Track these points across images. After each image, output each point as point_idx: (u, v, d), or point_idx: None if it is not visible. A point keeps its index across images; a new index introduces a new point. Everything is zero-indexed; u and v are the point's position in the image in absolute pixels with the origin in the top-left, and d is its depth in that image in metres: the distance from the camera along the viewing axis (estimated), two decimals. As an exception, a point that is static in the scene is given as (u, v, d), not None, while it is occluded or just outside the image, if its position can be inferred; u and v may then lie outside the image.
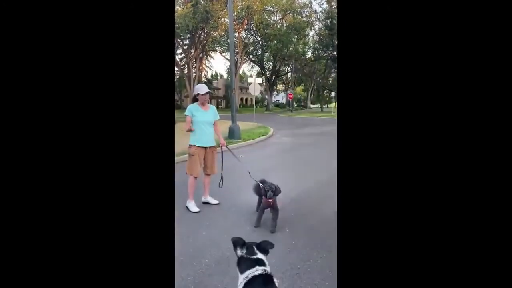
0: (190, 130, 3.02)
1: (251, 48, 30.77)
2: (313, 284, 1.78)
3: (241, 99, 39.54)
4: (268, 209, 2.61)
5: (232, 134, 7.86)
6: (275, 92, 43.38)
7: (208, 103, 3.15)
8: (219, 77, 40.97)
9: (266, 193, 2.53)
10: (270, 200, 2.53)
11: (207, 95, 3.08)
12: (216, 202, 3.23)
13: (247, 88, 20.38)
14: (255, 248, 1.29)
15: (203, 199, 3.23)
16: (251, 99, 34.62)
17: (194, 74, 25.97)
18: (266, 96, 36.95)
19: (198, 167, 3.05)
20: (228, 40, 27.45)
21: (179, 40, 24.86)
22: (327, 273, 1.88)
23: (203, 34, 25.27)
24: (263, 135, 9.00)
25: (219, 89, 35.57)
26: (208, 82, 35.98)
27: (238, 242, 1.31)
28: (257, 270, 1.15)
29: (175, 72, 28.47)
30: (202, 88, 3.06)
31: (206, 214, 2.91)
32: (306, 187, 3.76)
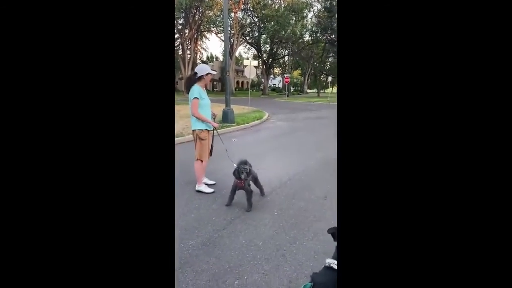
0: (215, 116, 3.06)
1: (248, 29, 29.97)
2: (298, 265, 1.80)
3: (237, 82, 38.96)
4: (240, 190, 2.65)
5: (226, 118, 7.79)
6: (271, 76, 42.78)
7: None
8: (214, 59, 40.09)
9: (239, 174, 2.56)
10: (240, 181, 2.58)
11: (211, 76, 2.99)
12: (213, 182, 3.25)
13: (243, 71, 20.04)
14: None
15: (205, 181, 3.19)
16: (247, 82, 34.12)
17: (188, 56, 25.34)
18: (263, 80, 36.46)
19: (208, 151, 3.03)
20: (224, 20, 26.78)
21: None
22: (312, 255, 1.91)
23: (198, 13, 24.45)
24: (257, 119, 8.94)
25: (214, 71, 34.80)
26: (204, 64, 35.28)
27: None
28: None
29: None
30: (208, 69, 2.95)
31: (196, 196, 2.91)
32: (297, 171, 3.77)
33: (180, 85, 27.21)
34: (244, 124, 7.94)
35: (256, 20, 29.17)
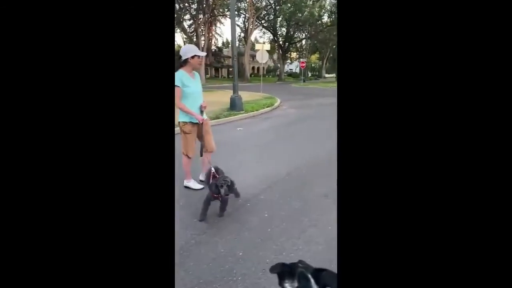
0: (204, 108, 2.56)
1: (263, 12, 28.87)
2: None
3: (252, 68, 38.21)
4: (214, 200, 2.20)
5: (234, 105, 7.48)
6: (288, 61, 41.48)
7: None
8: (230, 45, 39.39)
9: (218, 189, 2.03)
10: (218, 196, 2.10)
11: (201, 59, 2.48)
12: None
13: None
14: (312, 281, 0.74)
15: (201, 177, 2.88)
16: (264, 68, 33.32)
17: (203, 42, 24.93)
18: (279, 65, 35.49)
19: (194, 145, 2.67)
20: (239, 4, 26.04)
21: (186, 4, 23.60)
22: (298, 271, 1.61)
23: (211, -4, 23.79)
24: (268, 106, 8.55)
25: (229, 57, 34.31)
26: (219, 50, 34.81)
27: (285, 272, 0.76)
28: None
29: (184, 40, 27.46)
30: (195, 50, 2.46)
31: (182, 193, 2.67)
32: (298, 165, 3.43)
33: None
34: (253, 111, 7.60)
35: (271, 2, 28.01)
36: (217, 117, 6.51)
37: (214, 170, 2.29)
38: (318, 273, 0.75)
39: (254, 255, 1.76)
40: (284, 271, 0.76)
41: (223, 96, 9.47)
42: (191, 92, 2.47)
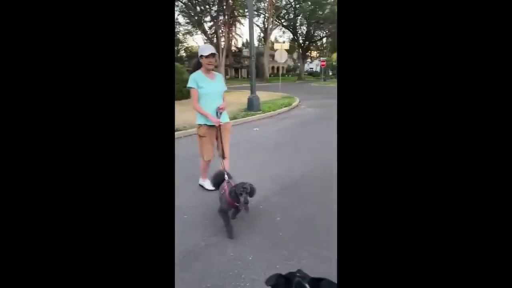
0: (221, 110, 2.41)
1: (283, 11, 28.66)
2: (287, 293, 1.45)
3: (272, 68, 38.07)
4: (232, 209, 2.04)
5: (251, 106, 7.45)
6: (308, 60, 40.88)
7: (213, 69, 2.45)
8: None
9: (237, 197, 1.82)
10: (238, 204, 1.88)
11: (213, 58, 2.33)
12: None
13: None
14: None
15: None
16: (283, 67, 33.08)
17: (222, 43, 25.20)
18: (299, 64, 35.08)
19: (211, 149, 2.53)
20: (258, 4, 26.02)
21: (207, 6, 23.95)
22: (309, 279, 1.54)
23: (231, -3, 23.96)
24: (286, 106, 8.45)
25: (249, 58, 34.45)
26: (238, 51, 35.00)
27: (280, 285, 0.76)
28: None
29: (205, 41, 27.87)
30: (205, 49, 2.30)
31: (197, 193, 2.67)
32: (315, 166, 3.33)
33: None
34: (270, 111, 7.54)
35: (291, 0, 27.73)
36: (234, 118, 6.52)
37: (227, 177, 2.14)
38: (316, 282, 0.73)
39: (264, 260, 1.71)
40: (279, 283, 0.75)
41: (241, 97, 9.47)
42: (206, 93, 2.37)
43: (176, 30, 27.56)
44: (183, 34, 28.71)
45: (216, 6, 24.35)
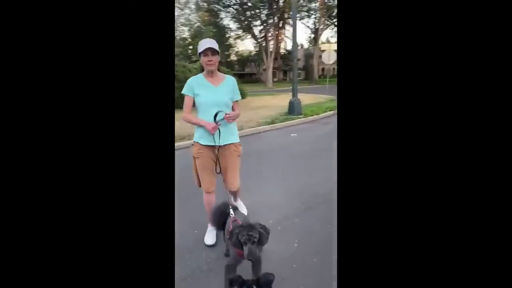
0: (217, 125, 1.68)
1: (335, 11, 27.46)
2: None
3: (322, 69, 36.77)
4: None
5: (292, 109, 7.13)
6: (363, 60, 38.39)
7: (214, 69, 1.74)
8: (299, 47, 38.85)
9: (240, 243, 1.30)
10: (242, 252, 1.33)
11: (213, 56, 1.66)
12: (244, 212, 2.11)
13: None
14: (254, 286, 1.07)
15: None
16: (334, 69, 31.64)
17: (271, 46, 25.22)
18: (351, 65, 33.15)
19: (210, 176, 1.81)
20: (309, 5, 25.44)
21: (257, 10, 24.27)
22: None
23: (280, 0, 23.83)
24: (330, 110, 7.89)
25: (299, 59, 33.84)
26: (287, 53, 34.66)
27: (236, 281, 1.07)
28: None
29: (254, 45, 28.28)
30: (202, 44, 1.66)
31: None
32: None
33: (264, 76, 27.57)
34: (312, 115, 7.11)
35: (344, -2, 26.36)
36: (273, 122, 6.29)
37: (233, 214, 1.55)
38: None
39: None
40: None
41: (284, 100, 9.19)
42: (204, 103, 1.72)
43: (226, 36, 28.61)
44: (234, 39, 29.63)
45: (267, 10, 24.48)
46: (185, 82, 1.76)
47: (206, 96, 1.73)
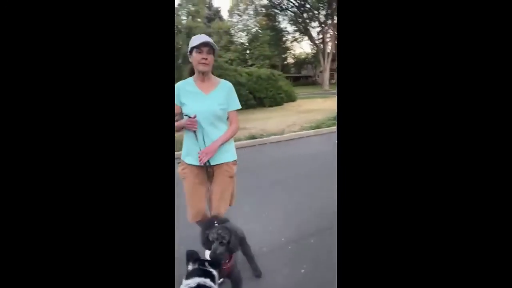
0: (193, 118, 1.35)
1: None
2: None
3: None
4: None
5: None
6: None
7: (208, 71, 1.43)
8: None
9: (209, 244, 1.21)
10: (225, 264, 1.24)
11: (208, 54, 1.36)
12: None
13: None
14: (207, 263, 1.13)
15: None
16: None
17: (329, 47, 24.23)
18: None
19: (197, 202, 1.48)
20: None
21: (315, 12, 23.64)
22: None
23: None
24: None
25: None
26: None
27: (192, 256, 1.14)
28: (205, 282, 1.04)
29: (311, 47, 27.57)
30: (195, 39, 1.36)
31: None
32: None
33: (321, 78, 26.60)
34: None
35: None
36: (318, 127, 5.87)
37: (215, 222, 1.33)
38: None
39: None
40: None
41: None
42: (189, 114, 1.36)
43: (284, 39, 28.55)
44: (291, 42, 29.41)
45: (325, 11, 23.66)
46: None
47: (193, 106, 1.38)
